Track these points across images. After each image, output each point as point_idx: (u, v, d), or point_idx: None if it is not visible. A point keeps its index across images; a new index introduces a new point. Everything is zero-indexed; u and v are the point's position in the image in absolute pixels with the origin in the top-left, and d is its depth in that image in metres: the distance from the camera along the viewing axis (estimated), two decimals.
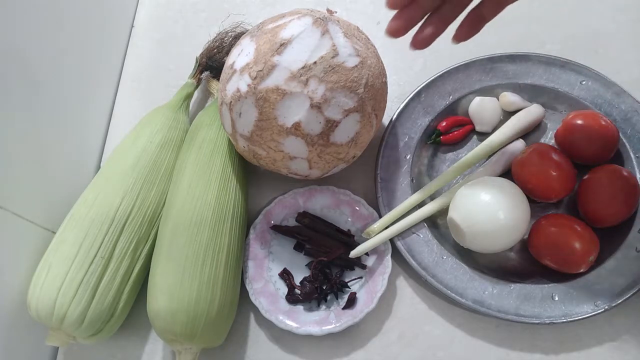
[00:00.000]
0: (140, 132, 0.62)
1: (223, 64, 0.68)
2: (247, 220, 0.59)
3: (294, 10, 0.54)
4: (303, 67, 0.49)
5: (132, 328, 0.58)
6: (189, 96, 0.67)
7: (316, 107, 0.49)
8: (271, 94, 0.49)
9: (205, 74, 0.70)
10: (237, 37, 0.70)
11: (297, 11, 0.53)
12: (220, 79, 0.55)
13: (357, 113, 0.51)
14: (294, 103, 0.49)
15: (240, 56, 0.52)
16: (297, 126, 0.50)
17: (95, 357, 0.58)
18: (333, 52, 0.50)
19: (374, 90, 0.52)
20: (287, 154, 0.52)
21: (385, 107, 0.57)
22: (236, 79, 0.52)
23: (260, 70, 0.50)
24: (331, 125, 0.50)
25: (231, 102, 0.52)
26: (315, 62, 0.49)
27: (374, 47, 0.55)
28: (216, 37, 0.69)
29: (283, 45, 0.50)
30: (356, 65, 0.50)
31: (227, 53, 0.69)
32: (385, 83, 0.55)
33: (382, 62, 0.56)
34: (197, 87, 0.69)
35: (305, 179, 0.57)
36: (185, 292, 0.50)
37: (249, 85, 0.50)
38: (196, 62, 0.68)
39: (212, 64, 0.68)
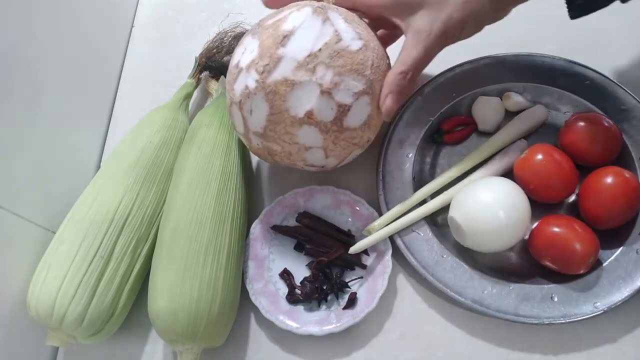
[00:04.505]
0: (140, 132, 0.62)
1: (222, 64, 0.68)
2: (247, 220, 0.59)
3: (291, 4, 0.54)
4: (309, 55, 0.49)
5: (132, 328, 0.58)
6: (188, 96, 0.67)
7: (326, 93, 0.49)
8: (280, 86, 0.49)
9: (205, 73, 0.70)
10: (237, 37, 0.70)
11: (295, 3, 0.53)
12: (227, 80, 0.55)
13: (367, 95, 0.51)
14: (303, 92, 0.49)
15: (245, 54, 0.52)
16: (309, 115, 0.50)
17: (95, 357, 0.58)
18: (336, 37, 0.50)
19: (380, 71, 0.52)
20: (302, 145, 0.52)
21: None
22: (243, 77, 0.51)
23: (267, 64, 0.49)
24: (343, 110, 0.50)
25: (241, 100, 0.52)
26: (320, 49, 0.49)
27: (374, 32, 0.55)
28: (216, 37, 0.69)
29: (286, 37, 0.49)
30: (360, 48, 0.51)
31: (227, 53, 0.69)
32: (390, 65, 0.55)
33: (382, 46, 0.55)
34: (196, 87, 0.69)
35: (322, 170, 0.57)
36: (186, 292, 0.50)
37: (257, 81, 0.50)
38: (195, 61, 0.69)
39: (211, 64, 0.68)
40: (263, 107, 0.50)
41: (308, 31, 0.50)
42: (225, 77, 0.68)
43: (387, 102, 0.51)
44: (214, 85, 0.68)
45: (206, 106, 0.66)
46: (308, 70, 0.49)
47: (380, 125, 0.56)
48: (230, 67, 0.55)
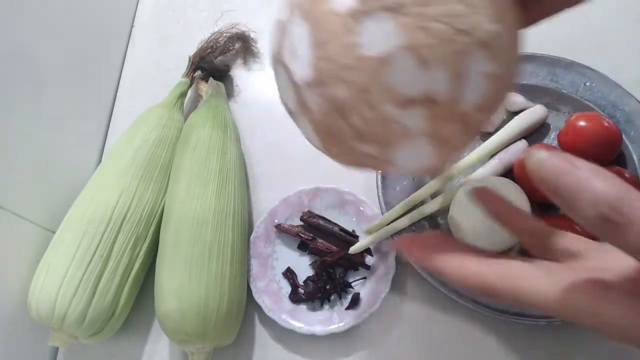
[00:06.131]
0: (136, 131, 0.62)
1: (214, 65, 0.69)
2: (250, 218, 0.60)
3: None
4: None
5: (132, 328, 0.58)
6: (182, 94, 0.68)
7: None
8: None
9: (197, 73, 0.70)
10: (232, 37, 0.70)
11: None
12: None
13: None
14: None
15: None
16: None
17: (95, 357, 0.57)
18: None
19: None
20: (376, 57, 0.28)
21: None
22: (277, 26, 0.33)
23: None
24: None
25: (278, 44, 0.33)
26: None
27: None
28: (210, 37, 0.70)
29: None
30: None
31: (220, 53, 0.69)
32: None
33: None
34: (190, 85, 0.69)
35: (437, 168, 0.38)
36: (194, 292, 0.50)
37: (288, 1, 0.32)
38: (189, 61, 0.69)
39: (202, 64, 0.69)
40: (303, 30, 0.30)
41: None
42: (214, 78, 0.68)
43: None
44: (203, 87, 0.68)
45: (197, 108, 0.66)
46: None
47: (511, 23, 0.31)
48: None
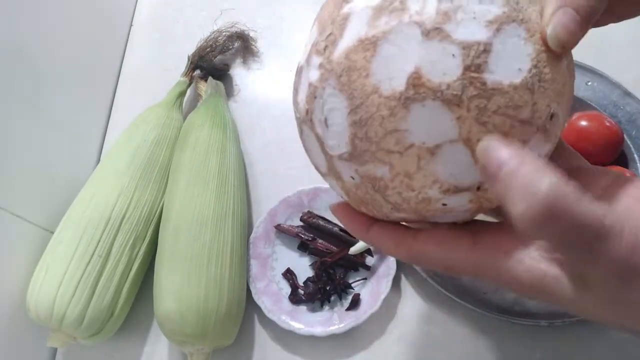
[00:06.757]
0: (135, 131, 0.62)
1: (213, 64, 0.69)
2: (250, 218, 0.59)
3: None
4: None
5: (131, 329, 0.57)
6: (181, 94, 0.67)
7: (435, 31, 0.26)
8: (355, 55, 0.28)
9: (196, 72, 0.70)
10: (231, 36, 0.70)
11: None
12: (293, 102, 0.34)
13: (515, 23, 0.27)
14: (394, 46, 0.27)
15: (304, 52, 0.33)
16: (416, 79, 0.26)
17: (94, 358, 0.57)
18: None
19: None
20: (424, 147, 0.27)
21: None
22: (305, 76, 0.31)
23: (330, 34, 0.29)
24: (478, 53, 0.26)
25: (307, 110, 0.31)
26: None
27: None
28: (210, 36, 0.70)
29: None
30: None
31: (220, 52, 0.69)
32: None
33: None
34: (189, 85, 0.69)
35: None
36: (193, 292, 0.50)
37: (320, 66, 0.30)
38: (188, 60, 0.69)
39: (202, 64, 0.68)
40: (339, 102, 0.29)
41: None
42: (214, 78, 0.67)
43: (557, 19, 0.26)
44: (202, 87, 0.68)
45: (197, 107, 0.66)
46: (394, 11, 0.27)
47: (569, 90, 0.30)
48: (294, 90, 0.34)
